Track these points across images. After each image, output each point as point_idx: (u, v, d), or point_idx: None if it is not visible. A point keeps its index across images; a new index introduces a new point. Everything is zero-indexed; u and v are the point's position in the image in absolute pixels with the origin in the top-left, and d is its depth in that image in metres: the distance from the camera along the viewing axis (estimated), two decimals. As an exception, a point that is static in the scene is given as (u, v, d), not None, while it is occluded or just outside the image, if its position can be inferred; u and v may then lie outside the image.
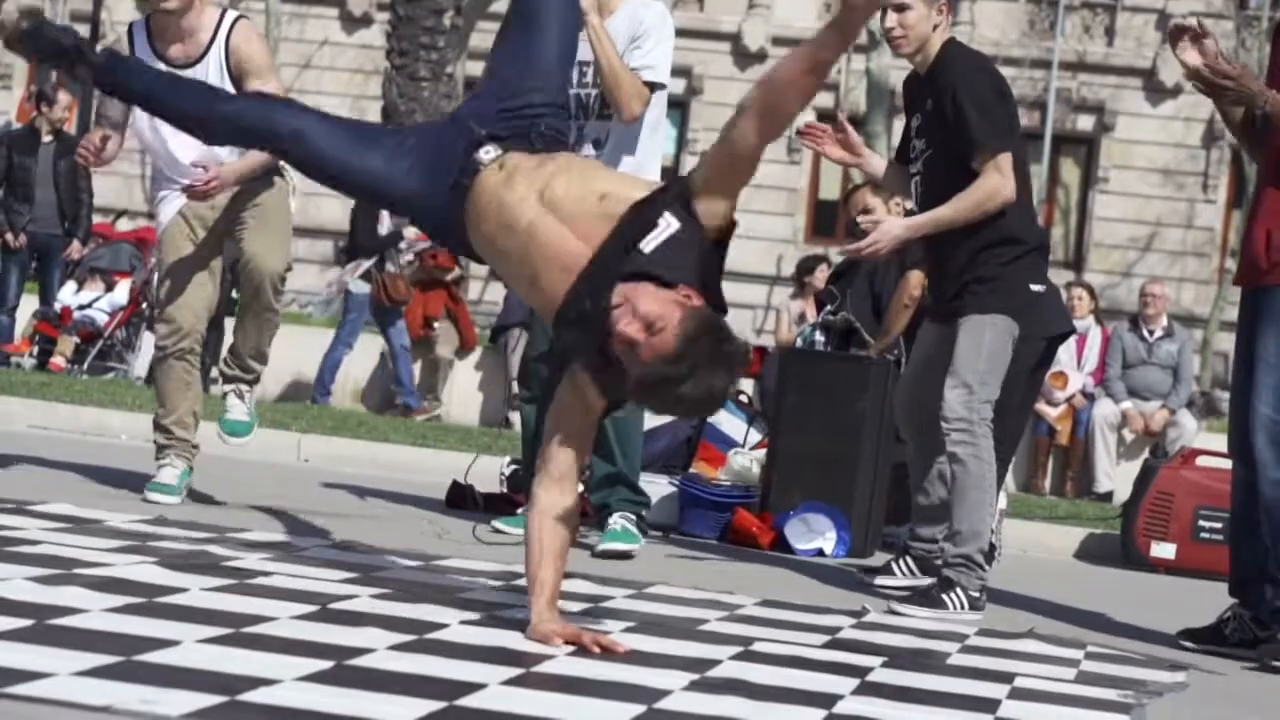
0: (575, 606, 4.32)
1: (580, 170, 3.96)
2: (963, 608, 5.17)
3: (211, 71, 5.82)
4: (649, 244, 3.69)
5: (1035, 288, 5.45)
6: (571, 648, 3.63)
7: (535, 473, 3.87)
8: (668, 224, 3.71)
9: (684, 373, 3.53)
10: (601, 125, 5.99)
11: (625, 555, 5.78)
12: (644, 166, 6.00)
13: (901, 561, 5.79)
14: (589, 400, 3.83)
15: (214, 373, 6.28)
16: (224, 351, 6.28)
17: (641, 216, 3.74)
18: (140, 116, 5.81)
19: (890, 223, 5.52)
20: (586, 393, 3.81)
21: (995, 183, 5.34)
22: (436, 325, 14.38)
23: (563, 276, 3.78)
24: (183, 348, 6.01)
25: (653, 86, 5.91)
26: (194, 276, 6.03)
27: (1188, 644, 5.08)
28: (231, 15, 5.98)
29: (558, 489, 3.80)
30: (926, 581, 5.51)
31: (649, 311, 3.56)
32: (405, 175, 4.05)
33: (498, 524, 6.10)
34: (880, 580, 5.75)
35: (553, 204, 3.84)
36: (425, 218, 4.21)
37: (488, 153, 3.98)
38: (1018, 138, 5.50)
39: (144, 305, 13.94)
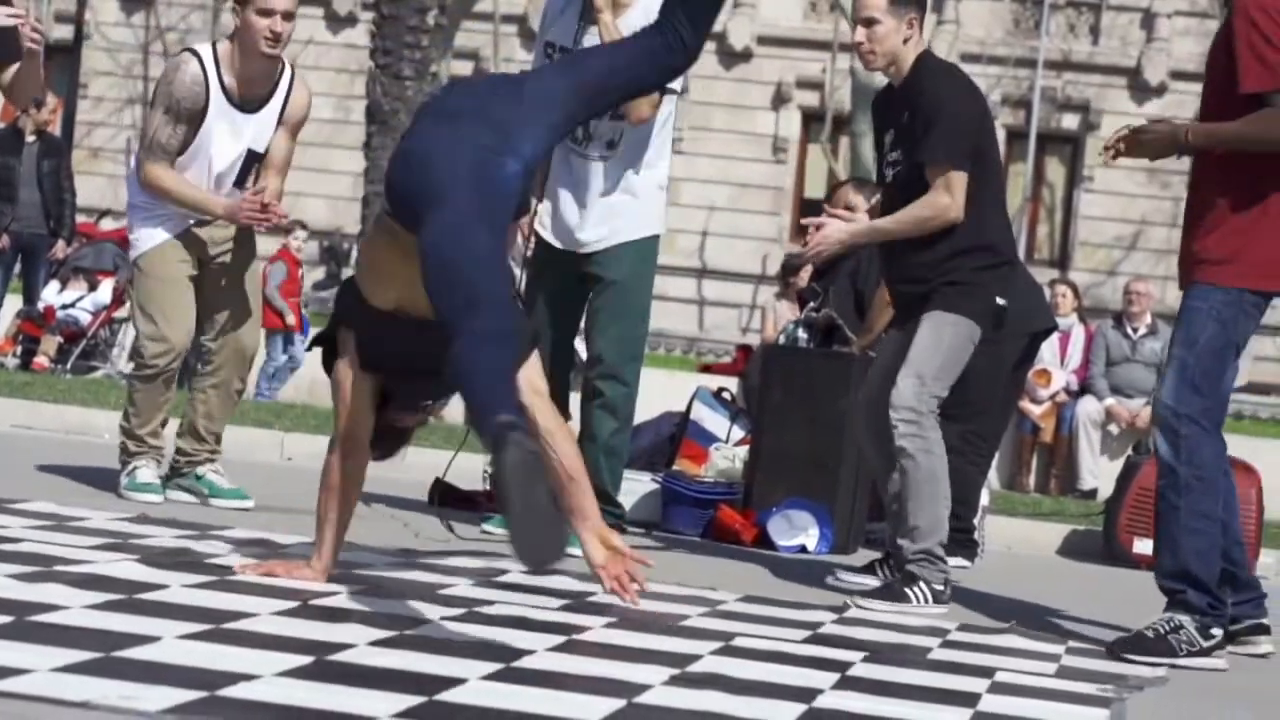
0: (557, 602, 4.34)
1: None
2: (926, 601, 5.17)
3: (271, 115, 6.02)
4: None
5: (1000, 301, 5.47)
6: (555, 640, 3.64)
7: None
8: None
9: None
10: (614, 126, 5.94)
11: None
12: (656, 165, 6.04)
13: (884, 567, 5.78)
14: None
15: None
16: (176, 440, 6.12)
17: None
18: (205, 141, 5.93)
19: (832, 226, 5.52)
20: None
21: (943, 202, 5.35)
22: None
23: None
24: (174, 367, 6.03)
25: (664, 91, 5.79)
26: (185, 296, 6.05)
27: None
28: (288, 64, 6.11)
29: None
30: None
31: None
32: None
33: (487, 527, 6.06)
34: (855, 579, 5.72)
35: None
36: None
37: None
38: (988, 158, 5.48)
39: (127, 304, 13.93)
